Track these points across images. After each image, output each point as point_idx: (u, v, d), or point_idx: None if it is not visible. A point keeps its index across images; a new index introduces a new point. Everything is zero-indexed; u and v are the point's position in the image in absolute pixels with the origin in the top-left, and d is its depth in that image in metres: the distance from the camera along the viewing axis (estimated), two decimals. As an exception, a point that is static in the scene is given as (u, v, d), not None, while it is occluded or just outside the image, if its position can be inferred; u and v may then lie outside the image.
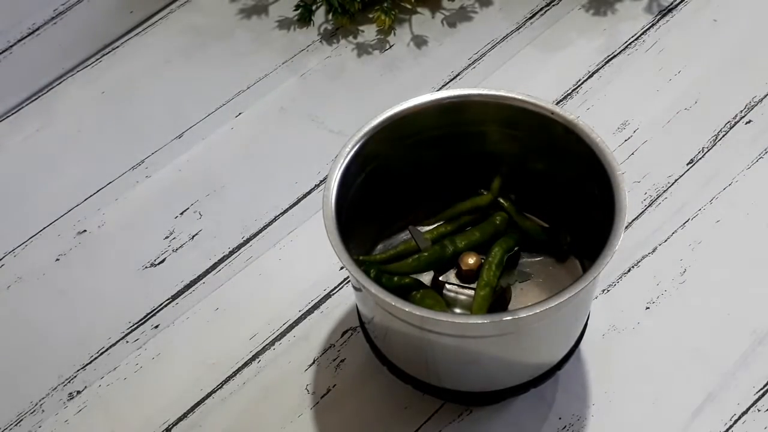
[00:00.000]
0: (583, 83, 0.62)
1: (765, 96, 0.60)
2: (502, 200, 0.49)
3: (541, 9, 0.66)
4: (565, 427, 0.49)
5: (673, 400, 0.49)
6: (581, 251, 0.48)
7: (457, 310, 0.46)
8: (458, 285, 0.47)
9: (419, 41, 0.65)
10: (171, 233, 0.57)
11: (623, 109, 0.61)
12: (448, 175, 0.49)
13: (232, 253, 0.56)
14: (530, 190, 0.49)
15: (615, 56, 0.63)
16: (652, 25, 0.64)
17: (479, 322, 0.41)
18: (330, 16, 0.66)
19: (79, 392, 0.52)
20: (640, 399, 0.49)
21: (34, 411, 0.51)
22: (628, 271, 0.54)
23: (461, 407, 0.50)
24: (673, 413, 0.49)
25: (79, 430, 0.51)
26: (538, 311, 0.39)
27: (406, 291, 0.46)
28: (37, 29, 0.68)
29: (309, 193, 0.59)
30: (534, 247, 0.49)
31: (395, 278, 0.46)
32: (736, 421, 0.48)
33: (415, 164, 0.49)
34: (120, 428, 0.51)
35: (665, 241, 0.55)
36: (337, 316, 0.53)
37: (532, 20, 0.65)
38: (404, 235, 0.50)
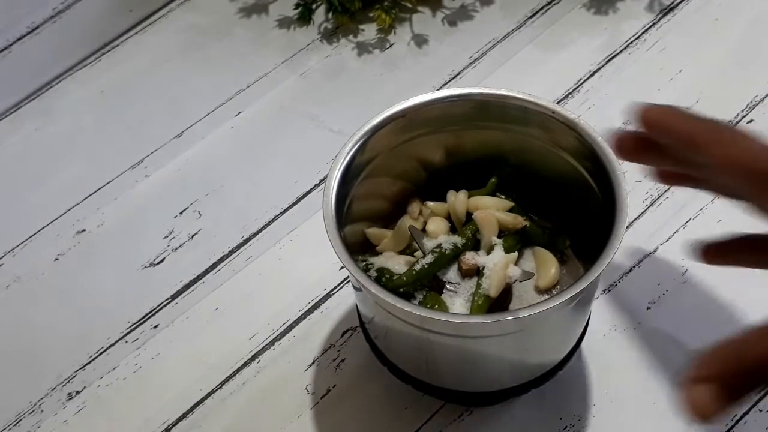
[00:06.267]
0: (584, 82, 0.62)
1: (767, 95, 0.60)
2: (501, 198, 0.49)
3: (542, 8, 0.66)
4: (566, 427, 0.49)
5: (674, 401, 0.49)
6: (582, 251, 0.48)
7: (457, 310, 0.46)
8: (458, 284, 0.46)
9: (420, 40, 0.65)
10: (170, 233, 0.57)
11: (624, 108, 0.60)
12: (449, 174, 0.49)
13: (231, 252, 0.56)
14: (531, 190, 0.48)
15: (616, 55, 0.63)
16: (654, 24, 0.64)
17: (479, 322, 0.40)
18: (330, 15, 0.66)
19: (78, 392, 0.52)
20: (641, 399, 0.49)
21: (33, 411, 0.51)
22: (630, 270, 0.53)
23: (461, 407, 0.49)
24: (675, 413, 0.49)
25: (79, 430, 0.51)
26: (538, 311, 0.38)
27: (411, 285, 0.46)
28: (36, 28, 0.68)
29: (309, 192, 0.58)
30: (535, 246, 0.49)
31: (395, 278, 0.46)
32: (737, 422, 0.48)
33: (416, 163, 0.48)
34: (119, 428, 0.51)
35: (667, 240, 0.54)
36: (337, 316, 0.53)
37: (532, 19, 0.65)
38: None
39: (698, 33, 0.64)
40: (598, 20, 0.65)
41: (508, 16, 0.66)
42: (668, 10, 0.65)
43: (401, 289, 0.45)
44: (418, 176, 0.49)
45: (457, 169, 0.49)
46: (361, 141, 0.44)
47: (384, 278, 0.45)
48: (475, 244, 0.47)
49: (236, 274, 0.55)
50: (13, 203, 0.60)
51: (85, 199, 0.59)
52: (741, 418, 0.48)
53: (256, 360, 0.52)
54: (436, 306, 0.45)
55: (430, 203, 0.49)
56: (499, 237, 0.47)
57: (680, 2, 0.65)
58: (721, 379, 0.31)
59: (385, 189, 0.48)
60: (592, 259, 0.40)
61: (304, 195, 0.58)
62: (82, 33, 0.67)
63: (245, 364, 0.52)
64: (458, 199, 0.48)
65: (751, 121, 0.59)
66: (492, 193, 0.49)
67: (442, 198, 0.49)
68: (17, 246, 0.58)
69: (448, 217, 0.49)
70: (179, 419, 0.50)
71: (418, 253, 0.47)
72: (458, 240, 0.47)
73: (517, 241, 0.47)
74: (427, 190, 0.49)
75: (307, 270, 0.55)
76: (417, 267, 0.45)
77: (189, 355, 0.53)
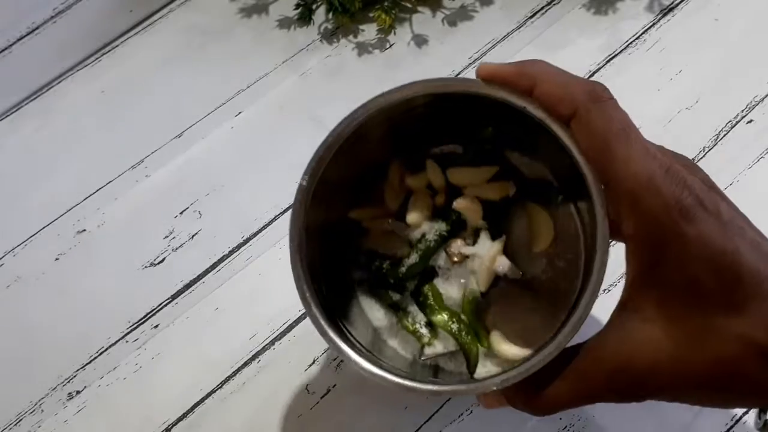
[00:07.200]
0: (583, 82, 0.62)
1: (766, 95, 0.60)
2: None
3: (542, 8, 0.66)
4: (566, 427, 0.49)
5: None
6: (572, 192, 0.45)
7: (451, 297, 0.45)
8: (449, 269, 0.46)
9: (420, 40, 0.65)
10: (171, 233, 0.57)
11: (624, 108, 0.60)
12: (424, 134, 0.46)
13: (232, 252, 0.56)
14: (516, 135, 0.45)
15: (616, 55, 0.63)
16: (653, 24, 0.64)
17: (456, 388, 0.39)
18: (330, 15, 0.66)
19: (78, 392, 0.52)
20: (641, 399, 0.49)
21: (34, 411, 0.51)
22: (629, 270, 0.53)
23: (461, 407, 0.49)
24: (675, 413, 0.49)
25: (79, 430, 0.51)
26: (511, 376, 0.37)
27: (402, 280, 0.46)
28: (37, 28, 0.68)
29: (309, 192, 0.58)
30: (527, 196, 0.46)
31: (384, 270, 0.45)
32: (737, 422, 0.48)
33: (381, 141, 0.46)
34: (120, 428, 0.51)
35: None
36: (337, 316, 0.53)
37: (532, 19, 0.65)
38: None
39: (698, 33, 0.64)
40: (597, 20, 0.65)
41: (508, 16, 0.66)
42: (668, 10, 0.65)
43: (391, 280, 0.45)
44: (388, 146, 0.46)
45: (433, 128, 0.46)
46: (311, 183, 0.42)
47: (374, 266, 0.45)
48: (460, 223, 0.46)
49: (236, 274, 0.55)
50: (13, 203, 0.60)
51: (85, 199, 0.59)
52: (741, 417, 0.48)
53: (256, 360, 0.52)
54: (430, 295, 0.45)
55: (409, 180, 0.47)
56: (485, 213, 0.45)
57: (680, 2, 0.65)
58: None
59: (352, 170, 0.45)
60: (582, 199, 0.39)
61: (304, 195, 0.58)
62: (82, 33, 0.67)
63: (245, 364, 0.52)
64: (437, 178, 0.46)
65: (750, 121, 0.59)
66: (472, 162, 0.46)
67: (419, 156, 0.46)
68: (17, 246, 0.58)
69: (429, 187, 0.47)
70: (179, 419, 0.51)
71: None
72: (442, 227, 0.46)
73: (499, 223, 0.46)
74: (402, 150, 0.47)
75: (307, 270, 0.55)
76: (403, 269, 0.45)
77: (189, 355, 0.53)
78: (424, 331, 0.45)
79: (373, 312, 0.46)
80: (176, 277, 0.56)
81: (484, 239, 0.46)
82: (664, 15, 0.65)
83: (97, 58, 0.66)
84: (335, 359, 0.52)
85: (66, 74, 0.65)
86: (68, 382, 0.52)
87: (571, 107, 0.37)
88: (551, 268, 0.45)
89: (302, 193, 0.41)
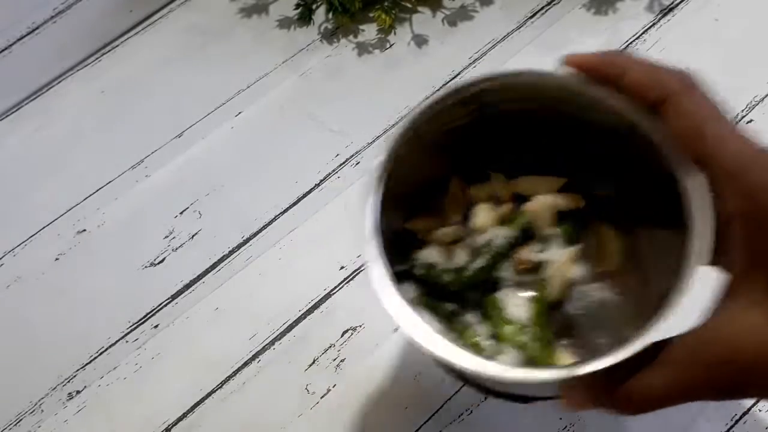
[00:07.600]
0: (584, 82, 0.62)
1: (766, 95, 0.60)
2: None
3: (542, 8, 0.66)
4: (566, 427, 0.49)
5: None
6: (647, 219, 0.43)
7: (516, 310, 0.43)
8: (513, 283, 0.43)
9: (420, 40, 0.65)
10: (170, 233, 0.57)
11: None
12: (484, 148, 0.44)
13: (231, 252, 0.56)
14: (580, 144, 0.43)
15: (616, 55, 0.63)
16: (653, 24, 0.64)
17: (547, 377, 0.36)
18: (330, 15, 0.66)
19: (78, 392, 0.52)
20: (641, 399, 0.49)
21: (33, 411, 0.51)
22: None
23: (461, 408, 0.49)
24: (675, 413, 0.49)
25: (79, 430, 0.51)
26: (604, 362, 0.34)
27: (464, 289, 0.43)
28: (37, 28, 0.68)
29: (309, 192, 0.58)
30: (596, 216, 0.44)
31: (442, 280, 0.43)
32: (737, 422, 0.48)
33: (445, 144, 0.43)
34: (120, 428, 0.51)
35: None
36: (337, 316, 0.53)
37: (533, 19, 0.65)
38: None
39: (698, 33, 0.64)
40: (598, 20, 0.65)
41: (508, 16, 0.66)
42: (668, 10, 0.65)
43: (452, 288, 0.43)
44: (447, 161, 0.44)
45: (496, 143, 0.43)
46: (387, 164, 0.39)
47: (431, 277, 0.43)
48: (528, 232, 0.43)
49: (236, 274, 0.55)
50: (13, 203, 0.60)
51: (85, 199, 0.59)
52: (741, 417, 0.48)
53: (256, 360, 0.52)
54: (493, 306, 0.42)
55: (472, 190, 0.44)
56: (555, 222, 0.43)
57: (680, 2, 0.65)
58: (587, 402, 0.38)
59: (412, 178, 0.42)
60: (650, 223, 0.37)
61: (304, 195, 0.58)
62: (82, 33, 0.67)
63: (245, 364, 0.52)
64: (503, 187, 0.44)
65: (750, 121, 0.59)
66: (539, 173, 0.44)
67: (478, 172, 0.44)
68: (17, 246, 0.58)
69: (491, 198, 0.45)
70: (179, 419, 0.51)
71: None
72: (510, 233, 0.43)
73: (575, 227, 0.43)
74: (461, 164, 0.44)
75: (307, 270, 0.55)
76: (468, 273, 0.42)
77: (189, 355, 0.53)
78: (487, 344, 0.42)
79: (429, 325, 0.44)
80: (176, 277, 0.56)
81: (556, 247, 0.43)
82: (664, 15, 0.65)
83: (97, 58, 0.66)
84: (335, 359, 0.52)
85: (66, 74, 0.65)
86: (68, 382, 0.52)
87: (662, 94, 0.36)
88: (618, 288, 0.43)
89: (377, 180, 0.38)
